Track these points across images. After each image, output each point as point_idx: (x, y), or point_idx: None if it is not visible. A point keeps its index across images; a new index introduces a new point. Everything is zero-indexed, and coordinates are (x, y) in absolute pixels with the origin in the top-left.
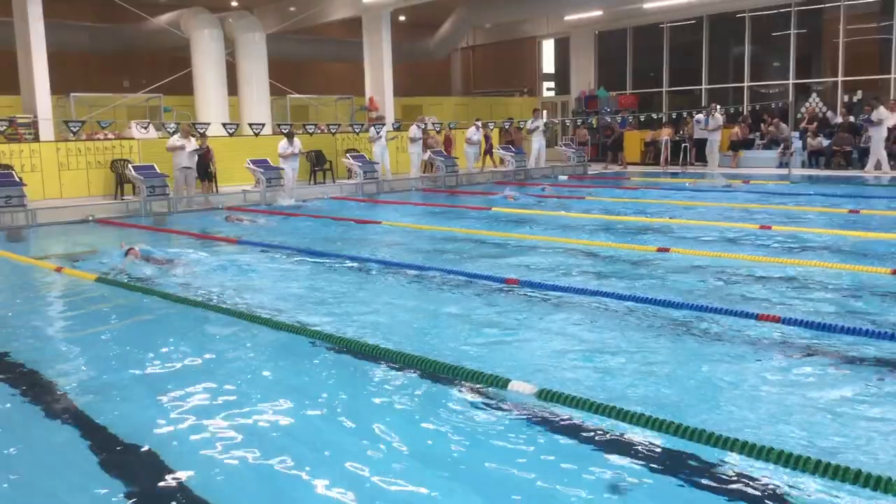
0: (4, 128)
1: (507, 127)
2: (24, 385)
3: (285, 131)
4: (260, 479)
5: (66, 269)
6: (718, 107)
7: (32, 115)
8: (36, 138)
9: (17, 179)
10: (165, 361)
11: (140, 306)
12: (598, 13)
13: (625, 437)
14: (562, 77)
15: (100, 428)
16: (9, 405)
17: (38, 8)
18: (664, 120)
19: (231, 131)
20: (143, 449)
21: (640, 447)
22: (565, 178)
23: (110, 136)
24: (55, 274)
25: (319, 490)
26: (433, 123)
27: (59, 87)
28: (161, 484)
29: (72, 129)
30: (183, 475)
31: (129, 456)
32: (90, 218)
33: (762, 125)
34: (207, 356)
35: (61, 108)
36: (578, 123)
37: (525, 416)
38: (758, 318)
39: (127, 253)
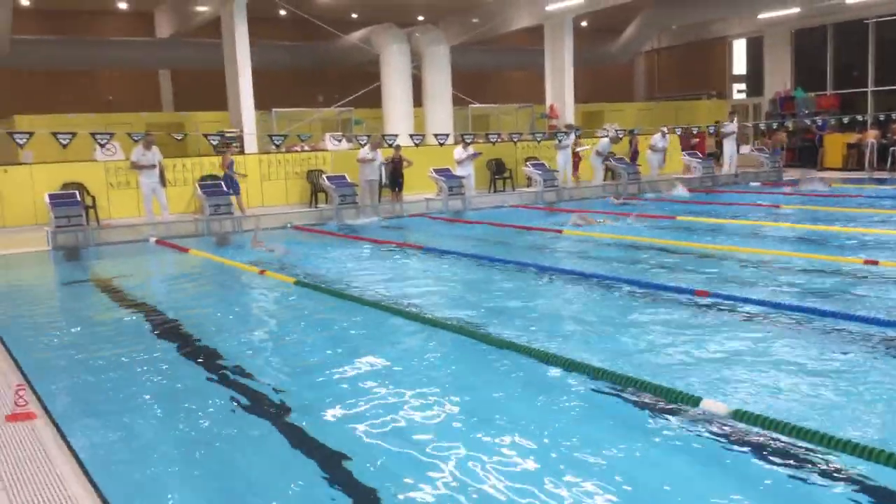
0: (217, 142)
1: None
2: (230, 380)
3: (469, 141)
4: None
5: (269, 273)
6: None
7: (239, 129)
8: (241, 151)
9: (225, 190)
10: (356, 358)
11: (334, 307)
12: (795, 10)
13: (832, 465)
14: (754, 78)
15: (300, 431)
16: (219, 400)
17: (245, 30)
18: (869, 122)
19: (418, 142)
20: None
21: (852, 478)
22: (758, 184)
23: (306, 148)
24: (259, 277)
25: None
26: (616, 130)
27: (261, 103)
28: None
29: (275, 142)
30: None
31: (325, 455)
32: (288, 225)
33: None
34: (392, 356)
35: (264, 122)
36: (773, 126)
37: (718, 438)
38: None
39: (254, 243)
